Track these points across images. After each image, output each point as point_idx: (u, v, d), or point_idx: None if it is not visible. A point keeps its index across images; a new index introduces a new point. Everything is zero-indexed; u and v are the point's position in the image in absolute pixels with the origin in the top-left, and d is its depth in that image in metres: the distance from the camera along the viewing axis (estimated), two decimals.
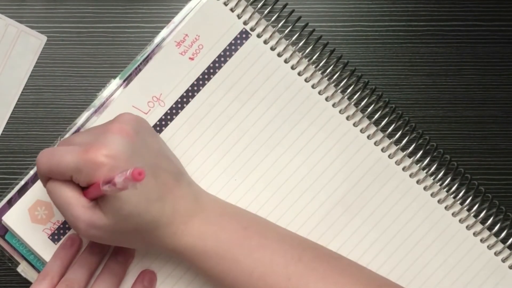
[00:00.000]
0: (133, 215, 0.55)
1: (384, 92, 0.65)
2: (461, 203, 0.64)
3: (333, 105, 0.63)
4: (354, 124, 0.63)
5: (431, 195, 0.63)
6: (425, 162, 0.63)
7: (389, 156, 0.63)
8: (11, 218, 0.62)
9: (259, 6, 0.63)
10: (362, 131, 0.63)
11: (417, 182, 0.63)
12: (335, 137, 0.63)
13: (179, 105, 0.63)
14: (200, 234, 0.57)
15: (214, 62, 0.63)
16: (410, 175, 0.63)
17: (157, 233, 0.57)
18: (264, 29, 0.63)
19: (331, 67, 0.63)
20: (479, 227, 0.64)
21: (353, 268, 0.60)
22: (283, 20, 0.63)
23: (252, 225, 0.59)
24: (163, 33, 0.63)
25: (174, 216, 0.57)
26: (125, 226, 0.55)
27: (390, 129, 0.64)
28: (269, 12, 0.63)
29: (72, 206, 0.55)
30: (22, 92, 0.66)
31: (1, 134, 0.66)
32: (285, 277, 0.57)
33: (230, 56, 0.63)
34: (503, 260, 0.63)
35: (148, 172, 0.55)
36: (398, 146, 0.63)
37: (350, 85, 0.64)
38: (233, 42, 0.63)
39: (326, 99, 0.63)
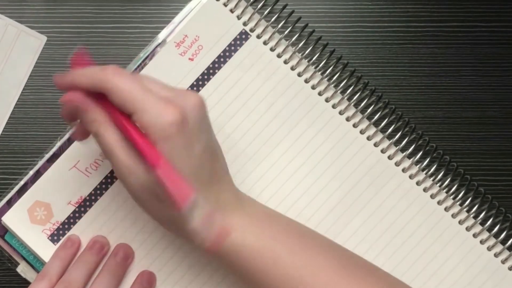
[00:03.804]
0: None
1: (384, 93, 0.65)
2: (461, 204, 0.64)
3: (333, 106, 0.63)
4: (354, 125, 0.63)
5: (431, 196, 0.63)
6: (425, 163, 0.63)
7: (388, 157, 0.63)
8: (10, 219, 0.62)
9: (259, 6, 0.63)
10: (362, 132, 0.63)
11: (417, 183, 0.63)
12: (335, 138, 0.63)
13: None
14: (240, 228, 0.55)
15: (213, 62, 0.63)
16: (410, 176, 0.63)
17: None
18: (264, 30, 0.63)
19: (331, 68, 0.64)
20: (478, 228, 0.64)
21: (390, 278, 0.59)
22: (283, 21, 0.63)
23: (293, 227, 0.58)
24: (163, 33, 0.64)
25: (215, 206, 0.54)
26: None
27: (390, 130, 0.64)
28: (269, 12, 0.63)
29: (125, 163, 0.53)
30: (22, 92, 0.66)
31: (1, 134, 0.66)
32: (324, 283, 0.55)
33: (230, 57, 0.63)
34: (503, 262, 0.63)
35: (208, 152, 0.54)
36: (398, 147, 0.63)
37: (350, 86, 0.64)
38: (232, 43, 0.63)
39: (326, 100, 0.63)
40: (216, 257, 0.56)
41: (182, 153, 0.51)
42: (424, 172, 0.63)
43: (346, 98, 0.63)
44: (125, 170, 0.52)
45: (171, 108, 0.51)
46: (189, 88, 0.63)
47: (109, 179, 0.63)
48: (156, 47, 0.63)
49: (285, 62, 0.63)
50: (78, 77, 0.53)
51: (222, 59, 0.63)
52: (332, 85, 0.63)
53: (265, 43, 0.63)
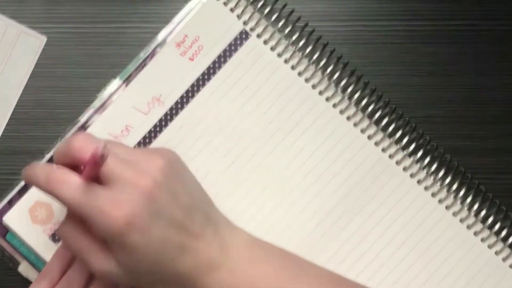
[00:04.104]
0: (151, 272, 0.54)
1: (384, 92, 0.65)
2: (462, 203, 0.64)
3: (334, 106, 0.63)
4: (354, 124, 0.63)
5: (432, 195, 0.63)
6: (426, 161, 0.63)
7: (389, 156, 0.63)
8: (11, 219, 0.62)
9: (259, 6, 0.63)
10: (362, 131, 0.63)
11: (418, 182, 0.63)
12: (335, 138, 0.63)
13: (179, 106, 0.63)
14: (227, 286, 0.55)
15: (214, 62, 0.63)
16: (411, 175, 0.63)
17: (180, 285, 0.55)
18: (264, 29, 0.63)
19: (331, 67, 0.63)
20: (479, 226, 0.64)
21: None
22: (283, 20, 0.63)
23: (285, 268, 0.56)
24: (163, 33, 0.63)
25: (197, 269, 0.54)
26: (143, 280, 0.55)
27: (390, 129, 0.64)
28: (269, 12, 0.63)
29: (86, 254, 0.55)
30: (22, 92, 0.66)
31: (1, 134, 0.66)
32: None
33: (230, 56, 0.63)
34: (504, 259, 0.63)
35: (173, 227, 0.53)
36: (398, 146, 0.63)
37: (350, 85, 0.64)
38: (233, 42, 0.63)
39: (327, 99, 0.63)
40: None
41: (140, 242, 0.52)
42: (425, 171, 0.63)
43: (346, 97, 0.63)
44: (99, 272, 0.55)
45: (115, 210, 0.51)
46: (189, 88, 0.63)
47: None
48: (156, 47, 0.63)
49: (286, 61, 0.63)
50: (33, 178, 0.55)
51: (222, 59, 0.63)
52: (333, 84, 0.63)
53: (265, 42, 0.63)
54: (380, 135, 0.64)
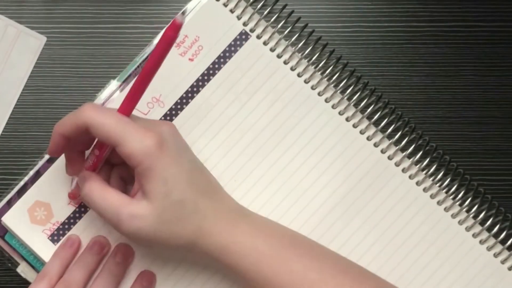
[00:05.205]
0: (180, 202, 0.55)
1: (383, 92, 0.65)
2: (460, 204, 0.63)
3: (333, 106, 0.63)
4: (353, 125, 0.63)
5: (431, 196, 0.63)
6: (425, 163, 0.63)
7: (388, 157, 0.63)
8: (10, 219, 0.62)
9: (258, 6, 0.63)
10: (361, 132, 0.63)
11: (417, 183, 0.63)
12: (334, 138, 0.63)
13: (179, 106, 0.63)
14: (250, 235, 0.57)
15: (213, 63, 0.63)
16: (410, 177, 0.63)
17: (204, 228, 0.57)
18: (263, 30, 0.63)
19: (331, 67, 0.63)
20: (478, 228, 0.64)
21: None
22: (283, 21, 0.63)
23: (297, 236, 0.61)
24: None
25: (221, 213, 0.58)
26: (171, 216, 0.55)
27: (389, 130, 0.63)
28: (268, 13, 0.63)
29: (115, 204, 0.55)
30: (21, 92, 0.66)
31: (1, 134, 0.66)
32: (333, 285, 0.57)
33: (230, 57, 0.63)
34: (502, 262, 0.63)
35: (196, 167, 0.57)
36: (397, 147, 0.63)
37: (349, 86, 0.64)
38: (232, 43, 0.63)
39: (326, 100, 0.63)
40: (226, 262, 0.57)
41: (172, 167, 0.55)
42: (424, 172, 0.63)
43: (346, 98, 0.63)
44: (126, 216, 0.55)
45: (149, 133, 0.54)
46: (189, 88, 0.63)
47: None
48: None
49: (285, 62, 0.63)
50: (61, 127, 0.56)
51: (222, 60, 0.63)
52: (332, 85, 0.63)
53: (265, 43, 0.63)
54: (379, 136, 0.63)
